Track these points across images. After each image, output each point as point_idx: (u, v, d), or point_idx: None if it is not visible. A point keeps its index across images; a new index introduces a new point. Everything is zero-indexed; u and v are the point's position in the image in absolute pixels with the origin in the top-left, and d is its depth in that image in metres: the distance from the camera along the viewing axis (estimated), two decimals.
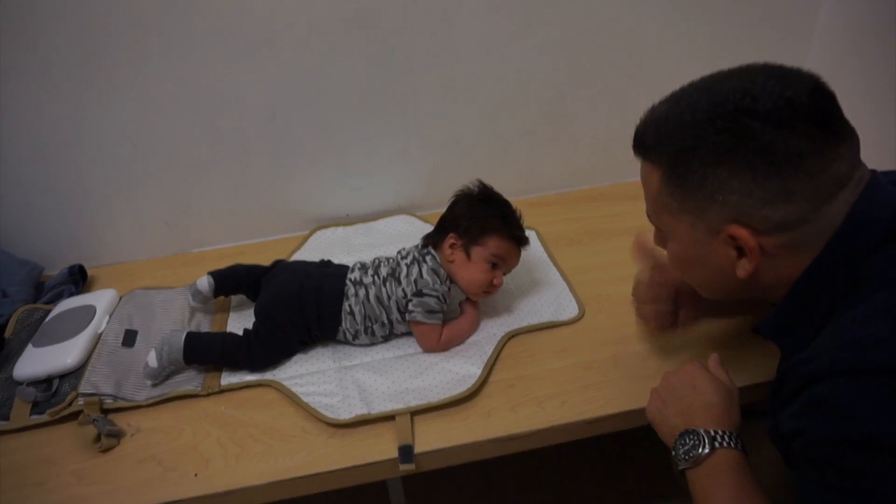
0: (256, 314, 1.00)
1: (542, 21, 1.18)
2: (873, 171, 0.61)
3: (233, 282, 1.07)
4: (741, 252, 0.61)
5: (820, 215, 0.57)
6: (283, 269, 1.05)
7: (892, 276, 0.54)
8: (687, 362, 0.77)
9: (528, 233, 1.02)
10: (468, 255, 0.97)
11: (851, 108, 1.35)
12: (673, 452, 0.69)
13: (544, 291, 1.09)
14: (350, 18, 1.10)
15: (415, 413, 0.88)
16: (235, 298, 1.11)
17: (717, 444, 0.65)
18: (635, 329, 0.99)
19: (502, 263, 0.99)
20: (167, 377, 0.97)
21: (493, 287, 0.99)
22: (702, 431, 0.67)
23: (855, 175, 0.58)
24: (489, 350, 0.97)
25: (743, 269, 0.61)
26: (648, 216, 0.71)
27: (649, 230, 0.76)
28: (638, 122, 0.68)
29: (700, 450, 0.65)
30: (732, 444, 0.66)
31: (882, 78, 1.17)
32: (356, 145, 1.25)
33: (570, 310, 1.05)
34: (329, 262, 1.09)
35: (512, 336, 1.01)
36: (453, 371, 0.94)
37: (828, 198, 0.57)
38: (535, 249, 1.19)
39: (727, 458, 0.65)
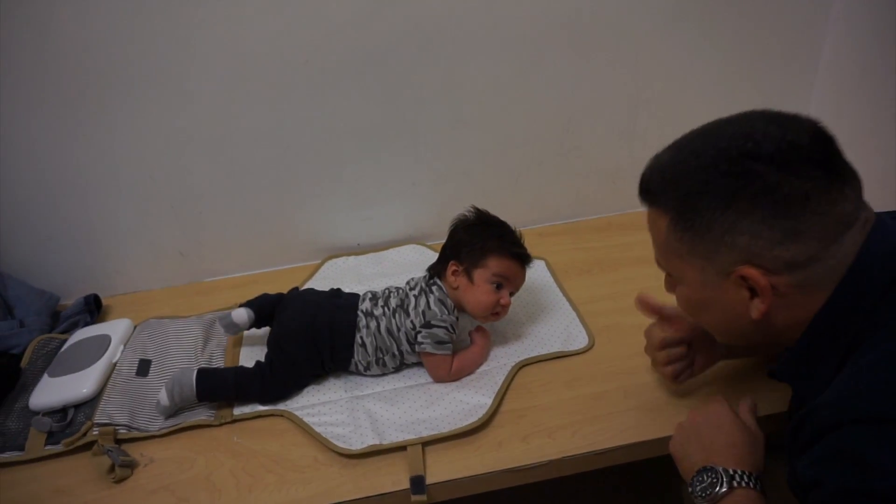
0: (270, 346, 1.01)
1: (550, 58, 1.21)
2: (878, 214, 0.62)
3: (266, 313, 1.05)
4: (753, 293, 0.62)
5: (830, 254, 0.58)
6: (295, 300, 1.06)
7: None
8: (712, 400, 0.77)
9: (537, 262, 1.03)
10: (471, 278, 0.98)
11: (855, 144, 1.37)
12: (690, 489, 0.69)
13: (554, 321, 1.10)
14: (363, 56, 1.14)
15: (426, 443, 0.88)
16: (249, 332, 1.12)
17: (735, 483, 0.65)
18: (645, 360, 0.99)
19: (506, 283, 1.00)
20: (179, 411, 0.97)
21: (502, 308, 0.99)
22: (720, 469, 0.67)
23: (861, 215, 0.59)
24: (500, 380, 0.98)
25: (756, 309, 0.62)
26: (657, 262, 0.72)
27: (655, 283, 0.77)
28: (646, 158, 0.69)
29: (718, 488, 0.65)
30: (752, 485, 0.65)
31: (887, 111, 1.19)
32: (367, 176, 1.28)
33: (579, 340, 1.06)
34: (339, 290, 1.10)
35: (522, 366, 1.01)
36: (464, 401, 0.94)
37: (836, 237, 0.58)
38: (544, 279, 1.20)
39: (745, 498, 0.64)
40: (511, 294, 1.01)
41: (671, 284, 0.73)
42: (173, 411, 0.96)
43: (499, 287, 0.99)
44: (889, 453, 0.47)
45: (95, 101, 1.09)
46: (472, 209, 1.06)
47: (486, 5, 1.13)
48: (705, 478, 0.67)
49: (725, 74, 1.30)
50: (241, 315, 1.03)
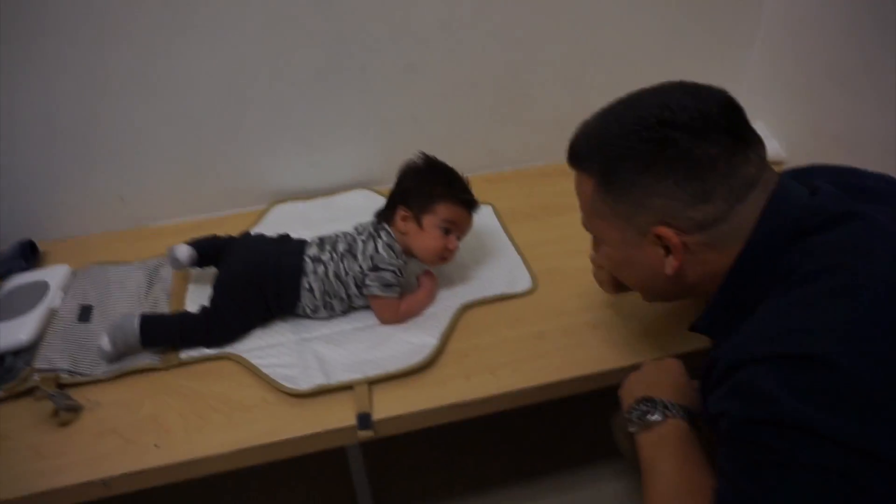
0: (215, 291, 1.00)
1: (498, 5, 1.19)
2: (781, 174, 0.67)
3: (211, 254, 1.05)
4: (668, 251, 0.67)
5: (735, 213, 0.63)
6: (241, 247, 1.06)
7: (806, 271, 0.58)
8: (668, 358, 0.80)
9: (484, 208, 1.05)
10: (420, 224, 1.00)
11: (793, 95, 1.41)
12: (627, 415, 0.73)
13: (499, 265, 1.13)
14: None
15: (373, 382, 0.91)
16: (195, 276, 1.11)
17: (669, 414, 0.70)
18: (584, 301, 1.04)
19: (454, 228, 1.02)
20: (123, 356, 0.97)
21: (449, 252, 1.02)
22: (658, 400, 0.72)
23: (763, 177, 0.64)
24: (445, 321, 1.01)
25: (670, 266, 0.67)
26: (584, 225, 0.77)
27: None
28: (595, 107, 0.72)
29: (652, 415, 0.70)
30: (683, 417, 0.70)
31: (823, 65, 1.23)
32: (315, 121, 1.25)
33: (523, 282, 1.09)
34: (287, 236, 1.10)
35: (467, 308, 1.04)
36: (410, 342, 0.97)
37: (740, 197, 0.63)
38: (491, 224, 1.23)
39: (676, 428, 0.69)
40: (458, 238, 1.03)
41: (596, 245, 0.78)
42: (116, 357, 0.96)
43: (447, 232, 1.01)
44: (780, 385, 0.51)
45: (26, 41, 1.03)
46: (420, 155, 1.06)
47: None
48: (642, 406, 0.72)
49: (669, 22, 1.31)
50: (183, 251, 1.03)
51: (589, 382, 0.94)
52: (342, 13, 1.13)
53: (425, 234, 1.00)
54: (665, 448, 0.68)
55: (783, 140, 1.36)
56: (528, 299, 1.07)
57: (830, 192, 0.65)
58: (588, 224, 0.76)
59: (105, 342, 0.94)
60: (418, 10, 1.16)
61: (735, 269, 0.65)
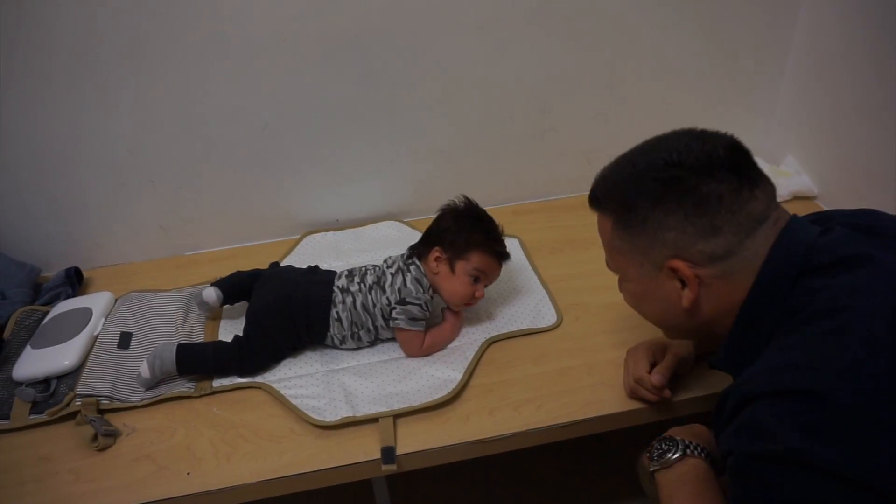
0: (247, 320, 1.04)
1: (525, 39, 1.22)
2: (794, 215, 0.69)
3: (238, 290, 1.10)
4: (683, 284, 0.69)
5: (745, 248, 0.66)
6: (272, 277, 1.09)
7: (811, 310, 0.59)
8: None
9: (510, 240, 1.07)
10: (452, 268, 1.02)
11: (822, 123, 1.39)
12: (648, 454, 0.75)
13: (524, 299, 1.14)
14: (341, 35, 1.14)
15: (397, 416, 0.93)
16: (229, 307, 1.15)
17: (688, 452, 0.72)
18: (610, 338, 1.04)
19: (484, 277, 1.04)
20: (160, 383, 1.01)
21: (475, 299, 1.04)
22: (678, 439, 0.74)
23: (772, 214, 0.67)
24: (470, 355, 1.02)
25: (686, 298, 0.69)
26: (607, 264, 0.80)
27: None
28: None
29: (672, 454, 0.73)
30: (702, 456, 0.72)
31: (856, 93, 1.22)
32: (345, 154, 1.29)
33: (548, 317, 1.10)
34: (317, 268, 1.13)
35: (492, 342, 1.06)
36: (435, 376, 0.99)
37: (749, 232, 0.66)
38: (516, 257, 1.24)
39: (695, 467, 0.71)
40: (485, 287, 1.05)
41: (621, 283, 0.80)
42: (154, 384, 0.99)
43: (476, 280, 1.03)
44: (778, 420, 0.53)
45: (75, 77, 1.09)
46: (463, 199, 1.08)
47: None
48: (663, 445, 0.75)
49: (698, 56, 1.32)
50: (210, 294, 1.08)
51: (612, 422, 0.94)
52: (373, 49, 1.17)
53: (455, 279, 1.02)
54: (684, 487, 0.70)
55: (815, 175, 1.35)
56: (553, 335, 1.07)
57: (842, 233, 0.66)
58: (610, 261, 0.79)
59: (144, 369, 0.98)
60: (445, 45, 1.20)
61: (746, 305, 0.66)
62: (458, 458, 0.92)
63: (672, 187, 0.67)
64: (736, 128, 1.34)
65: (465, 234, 1.02)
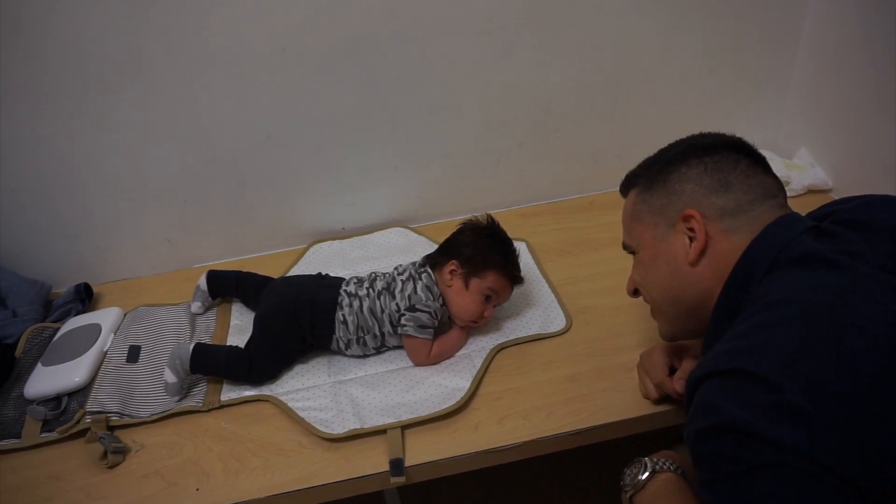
0: (255, 325, 1.04)
1: (527, 41, 1.21)
2: (794, 212, 0.73)
3: (226, 282, 1.16)
4: (691, 241, 0.74)
5: (752, 209, 0.72)
6: (280, 283, 1.10)
7: (766, 301, 0.62)
8: None
9: (518, 244, 1.07)
10: (466, 284, 1.01)
11: (833, 121, 1.37)
12: (622, 482, 0.76)
13: (533, 304, 1.13)
14: (341, 43, 1.14)
15: (405, 427, 0.92)
16: (236, 317, 1.15)
17: (657, 469, 0.74)
18: (619, 342, 1.03)
19: (495, 297, 1.03)
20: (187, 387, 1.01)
21: (482, 318, 1.03)
22: (645, 459, 0.75)
23: (780, 196, 0.75)
24: (478, 363, 1.01)
25: (694, 250, 0.73)
26: (623, 244, 0.84)
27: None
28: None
29: (641, 475, 0.73)
30: (671, 469, 0.73)
31: (865, 91, 1.19)
32: (349, 162, 1.29)
33: (557, 322, 1.08)
34: (326, 275, 1.13)
35: (500, 349, 1.04)
36: (443, 385, 0.98)
37: (758, 198, 0.72)
38: (524, 261, 1.21)
39: (666, 481, 0.73)
40: (494, 307, 1.05)
41: (633, 265, 0.85)
42: (184, 389, 0.99)
43: (487, 299, 1.02)
44: (724, 397, 0.56)
45: (75, 95, 1.10)
46: (487, 217, 1.08)
47: None
48: (632, 470, 0.76)
49: (706, 51, 1.30)
50: (202, 279, 1.14)
51: (625, 428, 0.92)
52: (374, 56, 1.16)
53: (468, 295, 1.01)
54: (658, 501, 0.71)
55: (829, 167, 1.32)
56: (562, 339, 1.06)
57: (833, 232, 0.68)
58: (627, 237, 0.84)
59: (169, 375, 0.98)
60: (445, 49, 1.18)
61: (724, 291, 0.70)
62: (467, 469, 0.91)
63: (698, 148, 0.77)
64: (747, 122, 1.33)
65: (484, 252, 1.01)
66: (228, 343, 1.10)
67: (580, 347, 1.03)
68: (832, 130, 1.30)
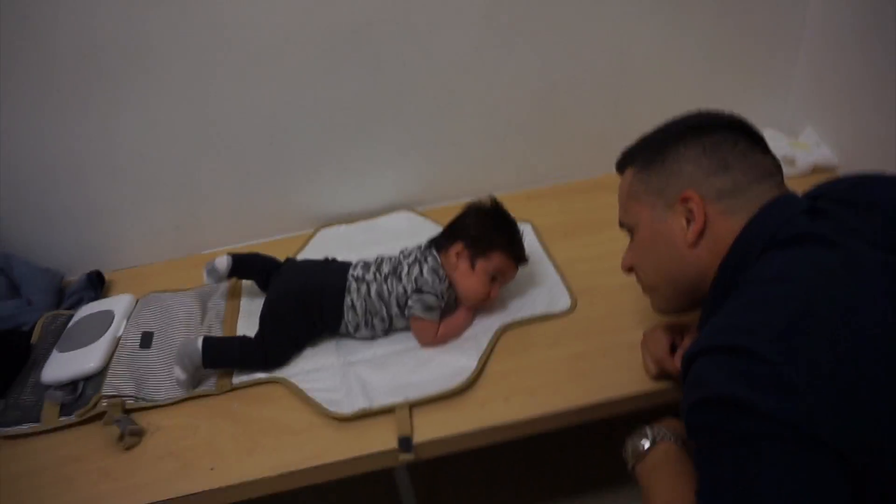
0: (264, 311, 1.05)
1: (531, 25, 1.21)
2: (791, 192, 0.73)
3: (248, 266, 1.14)
4: (689, 223, 0.74)
5: (750, 190, 0.72)
6: (288, 269, 1.11)
7: (761, 279, 0.64)
8: None
9: (523, 225, 1.08)
10: (472, 265, 1.02)
11: (835, 116, 1.36)
12: (623, 453, 0.79)
13: (538, 284, 1.14)
14: (344, 30, 1.14)
15: (413, 405, 0.93)
16: (246, 301, 1.17)
17: (657, 439, 0.76)
18: (623, 320, 1.04)
19: (501, 278, 1.05)
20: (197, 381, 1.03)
21: (490, 299, 1.05)
22: (646, 428, 0.78)
23: (777, 176, 0.75)
24: (484, 343, 1.02)
25: (692, 231, 0.74)
26: (620, 223, 0.84)
27: None
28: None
29: (642, 445, 0.76)
30: (671, 438, 0.75)
31: (868, 87, 1.18)
32: (355, 147, 1.30)
33: (562, 302, 1.09)
34: (333, 259, 1.14)
35: (506, 329, 1.06)
36: (450, 364, 0.99)
37: (756, 178, 0.72)
38: (530, 242, 1.22)
39: (666, 451, 0.75)
40: (500, 287, 1.06)
41: (630, 245, 0.86)
42: (193, 383, 1.01)
43: (493, 280, 1.03)
44: (713, 371, 0.58)
45: (81, 86, 1.11)
46: (491, 198, 1.09)
47: None
48: (635, 438, 0.78)
49: (711, 32, 1.29)
50: (222, 262, 1.10)
51: (630, 404, 0.93)
52: (377, 42, 1.17)
53: (474, 277, 1.02)
54: (658, 471, 0.73)
55: (835, 146, 1.31)
56: (568, 319, 1.07)
57: (828, 211, 0.69)
58: (623, 216, 0.84)
59: (178, 372, 0.99)
60: (450, 35, 1.19)
61: (721, 270, 0.71)
62: (475, 445, 0.92)
63: (696, 128, 0.76)
64: (753, 102, 1.33)
65: (489, 233, 1.03)
66: (239, 328, 1.12)
67: (585, 326, 1.05)
68: (838, 109, 1.29)
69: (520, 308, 1.09)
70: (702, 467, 0.58)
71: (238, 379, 1.02)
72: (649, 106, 1.37)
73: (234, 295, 1.20)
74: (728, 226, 0.71)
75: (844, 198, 0.72)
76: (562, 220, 1.30)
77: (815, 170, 1.32)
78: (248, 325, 1.11)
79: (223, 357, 1.02)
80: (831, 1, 1.24)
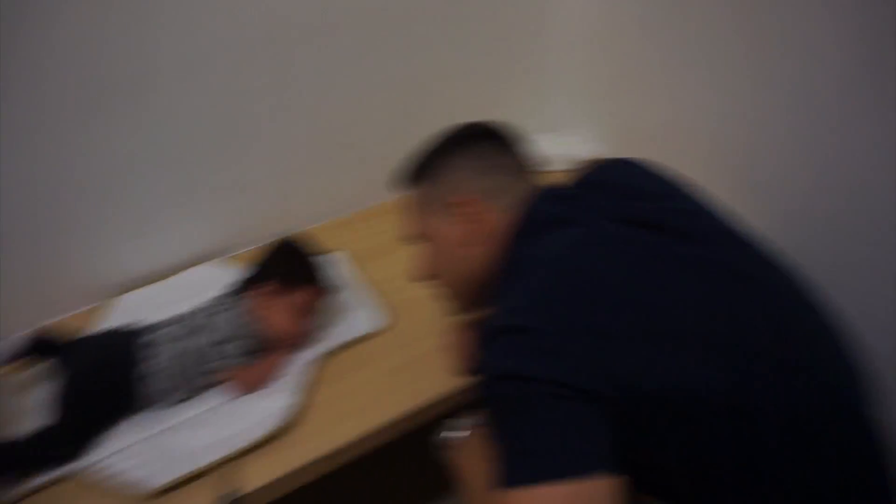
0: (58, 395, 0.95)
1: (312, 59, 1.24)
2: (547, 186, 0.83)
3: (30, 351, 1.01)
4: (465, 221, 0.81)
5: (513, 187, 0.81)
6: (83, 344, 1.01)
7: (524, 263, 0.72)
8: None
9: (337, 253, 1.10)
10: (280, 303, 1.02)
11: (601, 91, 1.52)
12: (434, 444, 0.84)
13: (353, 309, 1.16)
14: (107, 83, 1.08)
15: (236, 457, 0.90)
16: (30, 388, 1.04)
17: (467, 426, 0.82)
18: (437, 326, 1.09)
19: (311, 311, 1.05)
20: None
21: (302, 334, 1.05)
22: (456, 419, 0.84)
23: (537, 172, 0.85)
24: (305, 377, 1.02)
25: (472, 233, 0.81)
26: (409, 236, 0.90)
27: None
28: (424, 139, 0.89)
29: (450, 435, 0.82)
30: (475, 424, 0.81)
31: (630, 59, 1.36)
32: (141, 202, 1.22)
33: (379, 320, 1.13)
34: (131, 325, 1.06)
35: (328, 357, 1.06)
36: (271, 406, 0.97)
37: (518, 176, 0.82)
38: (340, 270, 1.25)
39: (472, 437, 0.80)
40: (311, 320, 1.07)
41: (419, 256, 0.90)
42: None
43: (303, 314, 1.04)
44: (492, 352, 0.65)
45: None
46: (289, 237, 1.10)
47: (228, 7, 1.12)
48: (447, 428, 0.84)
49: (471, 53, 1.41)
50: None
51: (450, 401, 0.98)
52: (157, 92, 1.12)
53: (284, 315, 1.02)
54: (468, 460, 0.79)
55: (599, 140, 1.50)
56: (386, 335, 1.10)
57: (576, 195, 0.80)
58: (410, 228, 0.89)
59: None
60: (216, 81, 1.17)
61: (499, 259, 0.78)
62: (312, 478, 0.91)
63: (461, 139, 0.85)
64: (518, 103, 1.45)
65: (293, 269, 1.04)
66: (26, 420, 0.99)
67: (402, 339, 1.09)
68: (600, 105, 1.48)
69: (338, 335, 1.10)
70: (494, 439, 0.64)
71: (27, 486, 0.89)
72: (439, 124, 1.47)
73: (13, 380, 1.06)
74: (499, 221, 0.79)
75: (591, 181, 0.84)
76: (371, 244, 1.33)
77: (578, 164, 1.49)
78: (36, 417, 0.98)
79: (8, 462, 0.89)
80: (588, 4, 1.40)
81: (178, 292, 1.26)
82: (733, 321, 0.65)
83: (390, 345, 1.08)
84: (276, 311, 1.01)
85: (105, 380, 0.95)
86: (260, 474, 0.88)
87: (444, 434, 0.82)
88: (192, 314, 1.03)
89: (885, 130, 0.91)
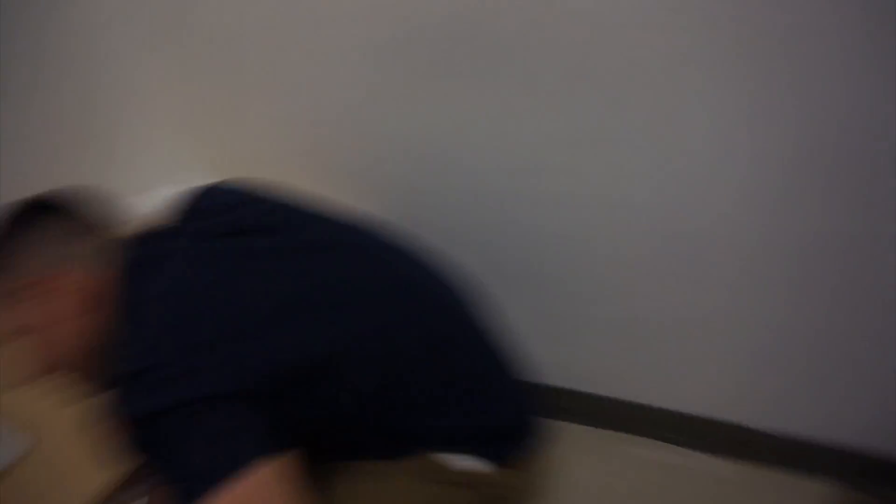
0: None
1: None
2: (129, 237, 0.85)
3: None
4: (70, 297, 0.79)
5: (91, 246, 0.81)
6: None
7: (130, 311, 0.76)
8: None
9: None
10: None
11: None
12: None
13: None
14: None
15: None
16: None
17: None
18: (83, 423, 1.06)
19: None
20: None
21: None
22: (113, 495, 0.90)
23: (111, 225, 0.85)
24: None
25: (76, 305, 0.79)
26: (7, 340, 0.82)
27: None
28: None
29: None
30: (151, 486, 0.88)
31: None
32: None
33: (17, 447, 1.08)
34: None
35: None
36: None
37: (94, 234, 0.82)
38: None
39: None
40: None
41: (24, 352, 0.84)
42: None
43: None
44: (124, 401, 0.68)
45: None
46: None
47: None
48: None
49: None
50: None
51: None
52: None
53: None
54: None
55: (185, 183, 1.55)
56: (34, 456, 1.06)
57: (163, 233, 0.84)
58: (4, 325, 0.82)
59: None
60: None
61: (110, 318, 0.78)
62: None
63: (24, 216, 0.80)
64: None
65: None
66: None
67: (51, 453, 1.06)
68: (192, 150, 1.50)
69: None
70: (163, 476, 0.67)
71: None
72: None
73: None
74: (97, 282, 0.79)
75: (187, 211, 0.89)
76: None
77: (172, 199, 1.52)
78: None
79: None
80: None
81: None
82: (330, 284, 0.80)
83: (39, 465, 1.04)
84: None
85: None
86: None
87: None
88: None
89: None
